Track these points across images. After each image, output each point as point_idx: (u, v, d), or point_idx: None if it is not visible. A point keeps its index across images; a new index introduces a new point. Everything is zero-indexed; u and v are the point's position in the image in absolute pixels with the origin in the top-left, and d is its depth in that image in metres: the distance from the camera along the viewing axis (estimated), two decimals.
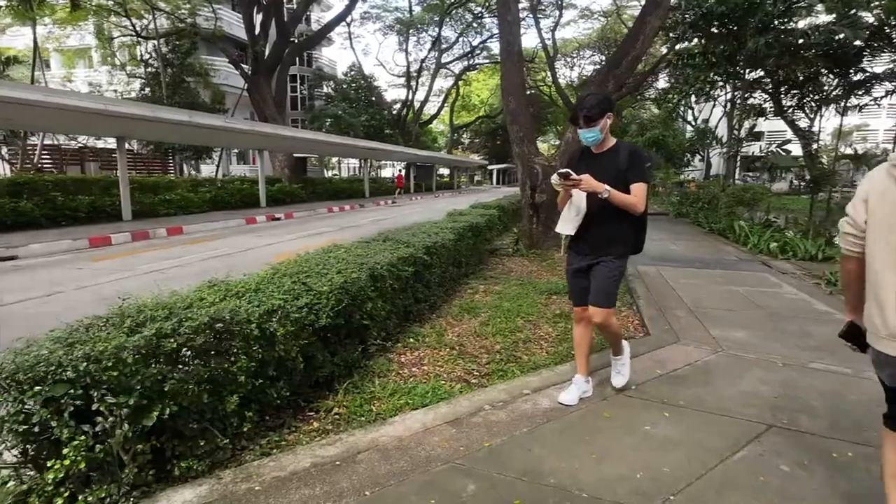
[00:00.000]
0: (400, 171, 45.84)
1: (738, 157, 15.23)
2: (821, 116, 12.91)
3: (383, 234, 5.37)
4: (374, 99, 39.81)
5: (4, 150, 20.59)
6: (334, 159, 48.84)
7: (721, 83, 13.26)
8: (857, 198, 1.77)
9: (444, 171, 59.64)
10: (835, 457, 2.53)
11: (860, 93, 12.23)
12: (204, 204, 17.38)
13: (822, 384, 3.42)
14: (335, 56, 67.25)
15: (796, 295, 5.99)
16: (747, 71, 12.24)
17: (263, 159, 20.34)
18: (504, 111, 9.74)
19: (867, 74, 12.19)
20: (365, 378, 3.48)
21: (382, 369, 3.66)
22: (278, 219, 16.70)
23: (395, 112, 40.96)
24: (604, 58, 42.42)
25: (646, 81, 21.11)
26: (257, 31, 22.49)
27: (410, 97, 40.19)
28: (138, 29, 24.45)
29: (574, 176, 2.78)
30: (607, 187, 2.77)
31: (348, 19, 39.78)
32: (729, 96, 13.86)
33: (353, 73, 41.25)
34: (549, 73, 35.33)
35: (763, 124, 14.49)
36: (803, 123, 14.81)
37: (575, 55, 44.87)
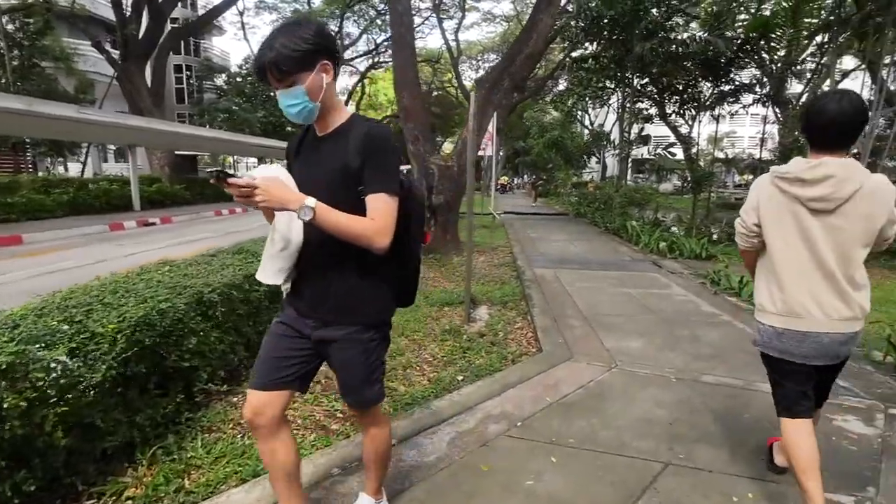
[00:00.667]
0: None
1: (630, 160, 15.92)
2: (699, 122, 13.78)
3: (241, 244, 4.51)
4: (273, 94, 37.52)
5: None
6: (233, 158, 45.44)
7: (612, 88, 13.71)
8: (749, 205, 2.07)
9: None
10: (735, 501, 2.19)
11: (731, 100, 13.18)
12: (59, 208, 14.95)
13: (716, 401, 3.18)
14: (228, 47, 62.43)
15: (685, 296, 5.99)
16: (635, 77, 12.72)
17: (135, 156, 18.02)
18: (398, 107, 9.15)
19: (736, 84, 13.16)
20: (186, 437, 2.67)
21: (216, 421, 2.87)
22: (152, 224, 14.79)
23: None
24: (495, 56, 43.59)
25: (546, 85, 21.60)
26: (128, 12, 19.94)
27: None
28: None
29: (238, 179, 1.41)
30: (309, 201, 1.45)
31: (240, 7, 37.24)
32: (621, 101, 14.38)
33: (248, 65, 38.65)
34: (454, 74, 35.36)
35: (651, 129, 15.20)
36: (684, 129, 15.85)
37: (479, 58, 45.65)
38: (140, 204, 18.00)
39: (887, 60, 9.28)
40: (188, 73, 37.29)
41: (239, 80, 37.85)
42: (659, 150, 12.72)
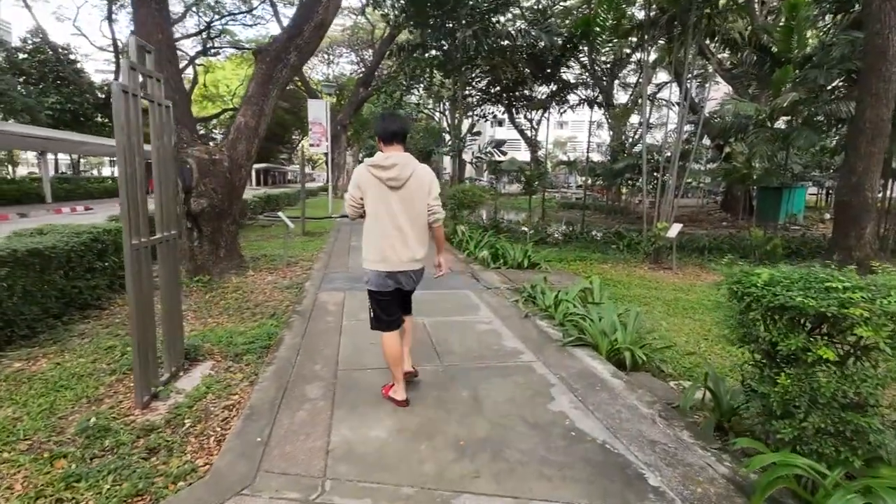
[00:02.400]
0: None
1: (483, 161, 15.14)
2: (542, 125, 13.37)
3: None
4: (68, 77, 31.08)
5: None
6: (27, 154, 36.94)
7: (441, 80, 12.70)
8: (353, 186, 3.02)
9: None
10: None
11: (558, 98, 12.94)
12: None
13: None
14: (11, 16, 50.42)
15: (488, 324, 4.77)
16: (464, 68, 11.79)
17: None
18: None
19: (562, 83, 12.94)
20: None
21: None
22: None
23: (104, 96, 32.63)
24: (358, 57, 41.70)
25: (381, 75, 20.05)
26: None
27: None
28: None
29: None
30: None
31: None
32: (451, 94, 13.44)
33: (35, 41, 31.67)
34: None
35: (504, 133, 14.58)
36: (530, 133, 15.55)
37: (329, 51, 43.08)
38: None
39: (689, 73, 9.45)
40: None
41: (21, 56, 30.77)
42: (489, 149, 11.97)
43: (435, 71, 12.30)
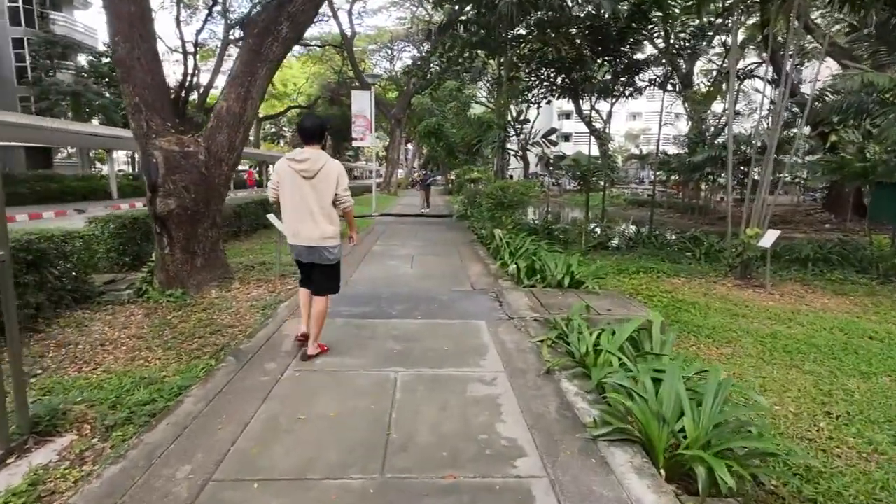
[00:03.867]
0: (250, 166, 38.94)
1: (542, 154, 13.46)
2: (612, 111, 11.51)
3: None
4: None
5: None
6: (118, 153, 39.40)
7: (483, 59, 11.17)
8: (274, 175, 3.73)
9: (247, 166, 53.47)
10: None
11: (624, 79, 11.00)
12: None
13: None
14: (97, 23, 53.75)
15: (490, 386, 3.28)
16: (510, 46, 10.18)
17: None
18: (112, 60, 5.94)
19: (631, 61, 10.98)
20: None
21: None
22: None
23: (173, 94, 33.80)
24: (418, 52, 40.86)
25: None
26: None
27: (190, 78, 33.36)
28: None
29: None
30: None
31: None
32: (496, 76, 11.85)
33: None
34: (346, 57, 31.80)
35: (571, 125, 12.89)
36: (601, 125, 13.72)
37: (392, 46, 42.46)
38: None
39: (790, 48, 7.29)
40: (33, 49, 31.13)
41: (106, 60, 32.40)
42: (538, 139, 10.28)
43: (477, 52, 10.80)
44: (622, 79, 11.07)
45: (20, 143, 28.71)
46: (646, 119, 59.06)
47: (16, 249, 4.36)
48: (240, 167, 55.52)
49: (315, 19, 34.58)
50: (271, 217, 6.33)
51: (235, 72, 5.99)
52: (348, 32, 30.14)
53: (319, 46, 41.86)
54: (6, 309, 2.53)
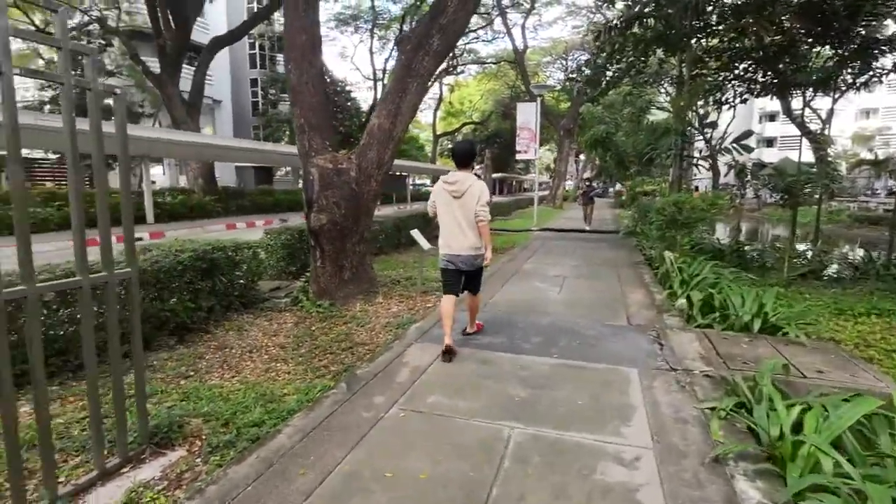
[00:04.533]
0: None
1: (697, 157, 11.62)
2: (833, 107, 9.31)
3: None
4: (342, 105, 36.99)
5: None
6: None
7: (665, 55, 9.80)
8: (432, 194, 4.40)
9: (428, 181, 57.02)
10: None
11: (854, 67, 8.65)
12: (57, 221, 14.37)
13: None
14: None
15: (630, 470, 2.49)
16: (694, 37, 8.76)
17: (147, 168, 17.29)
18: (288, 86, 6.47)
19: (865, 41, 8.60)
20: None
21: None
22: (139, 239, 13.53)
23: (362, 118, 37.88)
24: (587, 56, 39.18)
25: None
26: (164, 22, 19.58)
27: (377, 100, 36.95)
28: (39, 24, 21.79)
29: None
30: None
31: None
32: (677, 74, 10.33)
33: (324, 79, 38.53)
34: (518, 72, 31.71)
35: (777, 129, 10.94)
36: (814, 126, 11.35)
37: (567, 56, 41.51)
38: (156, 217, 17.24)
39: None
40: (263, 86, 37.87)
41: None
42: (728, 144, 8.57)
43: (654, 50, 9.54)
44: (851, 66, 8.72)
45: (251, 164, 35.10)
46: (883, 116, 47.53)
47: (192, 259, 4.91)
48: (418, 181, 59.83)
49: (490, 38, 35.15)
50: (414, 233, 6.26)
51: (388, 89, 6.07)
52: (521, 46, 30.20)
53: (494, 63, 42.93)
54: (132, 324, 2.66)
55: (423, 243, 6.19)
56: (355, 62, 79.38)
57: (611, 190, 51.85)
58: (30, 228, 2.16)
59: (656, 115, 19.15)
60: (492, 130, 57.15)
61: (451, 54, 40.42)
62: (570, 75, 13.70)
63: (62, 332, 3.71)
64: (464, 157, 4.26)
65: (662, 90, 15.90)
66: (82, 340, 2.42)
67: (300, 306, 5.86)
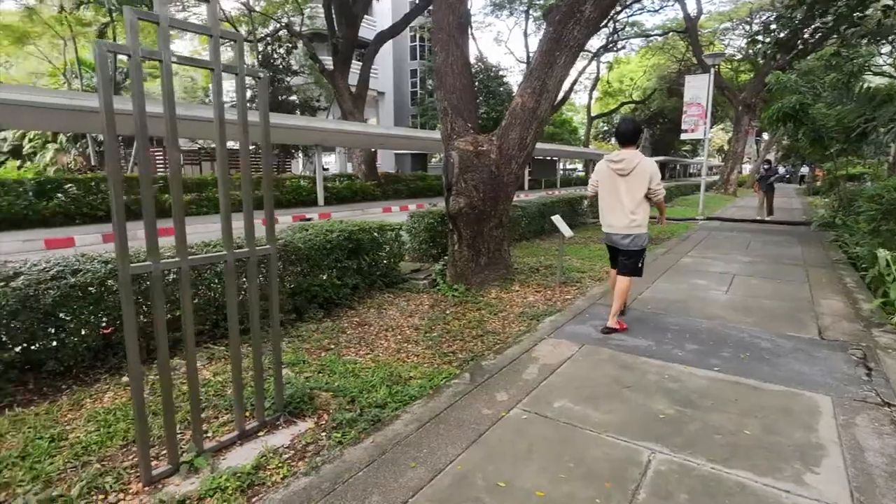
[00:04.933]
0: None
1: None
2: None
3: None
4: (497, 90, 37.09)
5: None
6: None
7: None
8: (594, 174, 4.46)
9: (580, 166, 54.62)
10: None
11: None
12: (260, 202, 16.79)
13: None
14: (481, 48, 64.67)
15: None
16: None
17: (319, 155, 19.25)
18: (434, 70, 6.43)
19: None
20: None
21: None
22: (308, 219, 15.25)
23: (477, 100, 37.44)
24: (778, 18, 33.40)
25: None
26: (337, 22, 21.49)
27: None
28: (243, 34, 25.52)
29: None
30: None
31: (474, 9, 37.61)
32: None
33: (478, 65, 39.15)
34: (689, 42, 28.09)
35: None
36: None
37: (751, 19, 36.06)
38: (325, 200, 19.21)
39: None
40: (423, 76, 39.67)
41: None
42: None
43: None
44: None
45: (408, 151, 37.25)
46: None
47: (340, 239, 5.20)
48: (569, 165, 57.71)
49: (658, 6, 31.87)
50: (556, 219, 5.85)
51: (532, 65, 5.71)
52: (693, 13, 26.87)
53: (660, 35, 39.01)
54: (271, 298, 2.82)
55: (565, 230, 5.75)
56: (509, 46, 78.51)
57: (791, 173, 43.91)
58: (183, 208, 2.35)
59: (872, 82, 15.46)
60: (654, 110, 52.37)
61: (610, 29, 37.81)
62: (755, 37, 11.70)
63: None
64: (628, 135, 4.25)
65: (885, 50, 12.76)
66: (227, 309, 2.61)
67: (437, 289, 5.90)
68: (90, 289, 3.34)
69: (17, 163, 23.76)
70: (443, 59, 5.95)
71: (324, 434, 2.73)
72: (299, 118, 18.18)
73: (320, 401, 3.04)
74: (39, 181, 13.09)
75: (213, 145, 26.58)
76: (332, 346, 4.16)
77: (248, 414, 2.85)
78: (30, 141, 24.83)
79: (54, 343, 3.25)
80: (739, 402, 2.92)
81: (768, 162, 12.83)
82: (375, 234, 5.72)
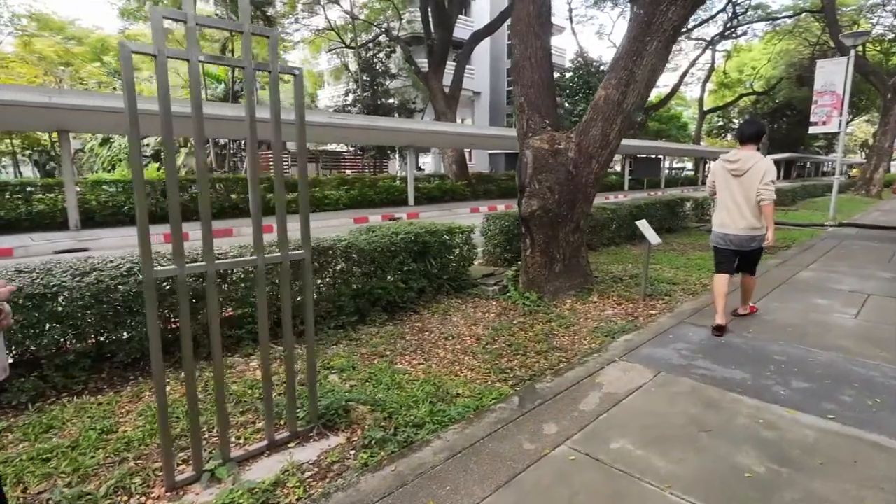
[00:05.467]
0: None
1: None
2: None
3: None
4: (597, 85, 35.44)
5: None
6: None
7: None
8: (710, 177, 4.47)
9: (689, 165, 50.62)
10: None
11: None
12: (344, 202, 17.54)
13: None
14: (564, 44, 61.95)
15: None
16: None
17: (411, 155, 19.57)
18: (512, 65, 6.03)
19: None
20: None
21: None
22: (396, 218, 15.56)
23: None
24: None
25: None
26: (432, 25, 21.76)
27: None
28: (347, 41, 26.80)
29: None
30: None
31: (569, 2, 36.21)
32: None
33: (578, 60, 37.69)
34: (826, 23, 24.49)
35: None
36: None
37: None
38: (415, 199, 19.53)
39: None
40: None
41: (569, 75, 37.08)
42: None
43: None
44: None
45: (502, 151, 36.84)
46: None
47: (406, 241, 5.07)
48: (676, 164, 53.68)
49: None
50: (641, 224, 5.24)
51: (618, 54, 5.16)
52: None
53: (789, 17, 34.71)
54: (305, 306, 2.70)
55: (652, 237, 5.12)
56: (612, 39, 74.57)
57: None
58: (210, 210, 2.30)
59: None
60: (780, 101, 46.89)
61: (729, 13, 34.29)
62: None
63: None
64: (749, 136, 4.23)
65: None
66: (258, 314, 2.54)
67: (507, 296, 5.57)
68: (163, 285, 3.50)
69: (157, 165, 27.05)
70: (521, 51, 5.59)
71: (352, 452, 2.57)
72: (389, 119, 18.61)
73: (356, 414, 2.89)
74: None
75: (314, 147, 28.27)
76: (388, 353, 4.03)
77: (282, 422, 2.78)
78: None
79: (124, 335, 3.45)
80: (859, 466, 2.29)
81: None
82: (444, 236, 5.53)
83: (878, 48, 30.58)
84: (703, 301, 5.16)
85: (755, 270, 4.50)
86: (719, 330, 4.10)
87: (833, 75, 12.70)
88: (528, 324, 4.74)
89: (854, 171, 50.39)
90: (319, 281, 4.55)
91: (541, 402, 2.92)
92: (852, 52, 11.97)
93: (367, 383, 3.35)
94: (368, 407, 2.96)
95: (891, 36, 28.70)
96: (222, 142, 23.89)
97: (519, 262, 5.97)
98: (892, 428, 2.61)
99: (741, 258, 4.38)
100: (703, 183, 50.48)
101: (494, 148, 32.14)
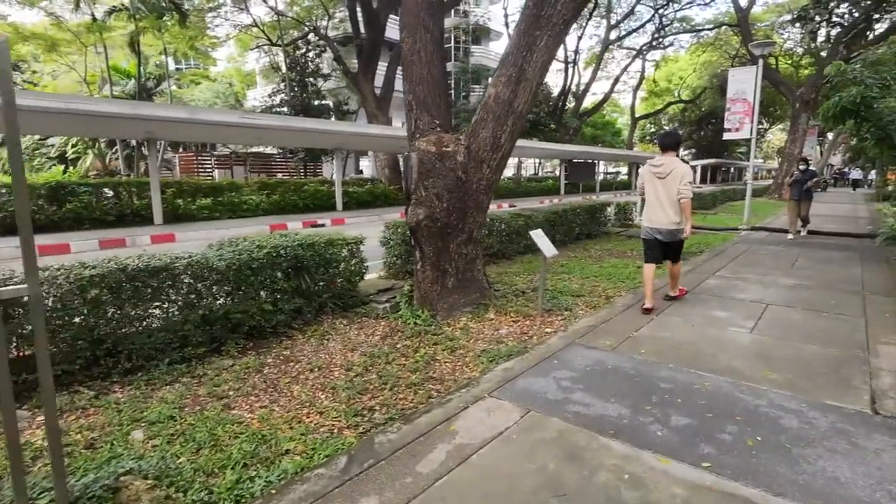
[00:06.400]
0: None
1: None
2: None
3: None
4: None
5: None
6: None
7: None
8: (639, 179, 5.25)
9: (624, 169, 52.45)
10: None
11: None
12: (265, 207, 16.47)
13: None
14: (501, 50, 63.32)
15: None
16: None
17: (339, 159, 18.74)
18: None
19: None
20: None
21: None
22: (320, 225, 14.70)
23: (550, 104, 35.97)
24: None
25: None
26: (362, 24, 21.04)
27: (568, 84, 34.68)
28: (273, 38, 25.56)
29: None
30: None
31: (504, 5, 36.61)
32: None
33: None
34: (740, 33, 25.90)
35: None
36: None
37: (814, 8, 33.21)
38: (345, 205, 18.68)
39: None
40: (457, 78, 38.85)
41: None
42: None
43: None
44: None
45: None
46: None
47: (270, 256, 4.40)
48: (612, 168, 55.55)
49: (709, 1, 29.91)
50: (535, 235, 4.85)
51: (508, 49, 4.74)
52: (745, 3, 24.83)
53: (711, 30, 36.55)
54: (38, 358, 2.01)
55: (547, 249, 4.74)
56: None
57: (860, 177, 39.93)
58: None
59: None
60: (705, 109, 49.39)
61: (657, 24, 35.66)
62: (802, 12, 10.22)
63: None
64: (668, 145, 5.01)
65: None
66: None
67: (398, 315, 5.02)
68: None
69: (62, 167, 24.65)
70: (409, 45, 5.06)
71: None
72: (306, 120, 17.64)
73: (129, 493, 2.21)
74: (52, 186, 13.12)
75: (242, 149, 26.77)
76: (230, 394, 3.37)
77: None
78: (73, 147, 25.74)
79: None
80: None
81: (805, 161, 11.17)
82: (324, 249, 4.90)
83: (790, 61, 32.66)
84: (602, 316, 4.82)
85: (678, 258, 5.23)
86: (648, 311, 4.85)
87: (744, 83, 13.10)
88: (412, 348, 4.21)
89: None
90: (157, 306, 3.82)
91: (373, 462, 2.36)
92: (760, 61, 12.39)
93: (171, 443, 2.68)
94: (150, 482, 2.29)
95: (800, 50, 30.70)
96: (133, 143, 22.05)
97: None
98: (771, 479, 2.24)
99: (666, 248, 5.11)
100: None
101: None
